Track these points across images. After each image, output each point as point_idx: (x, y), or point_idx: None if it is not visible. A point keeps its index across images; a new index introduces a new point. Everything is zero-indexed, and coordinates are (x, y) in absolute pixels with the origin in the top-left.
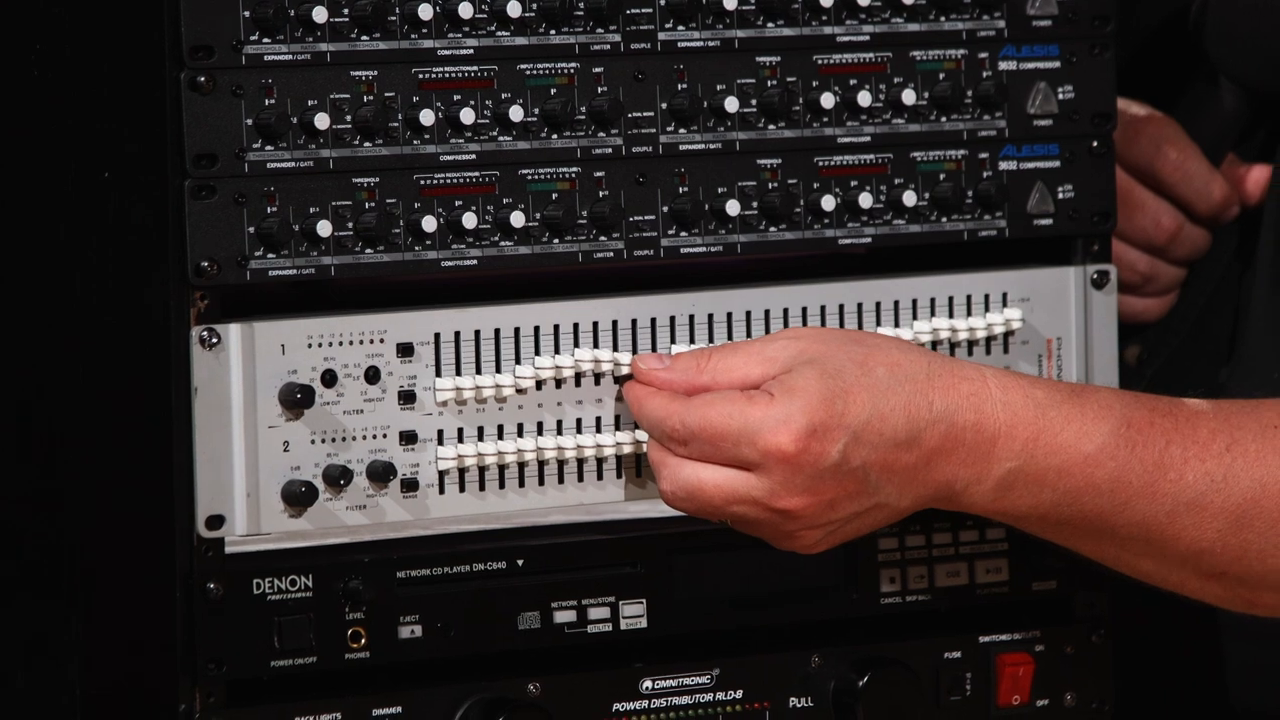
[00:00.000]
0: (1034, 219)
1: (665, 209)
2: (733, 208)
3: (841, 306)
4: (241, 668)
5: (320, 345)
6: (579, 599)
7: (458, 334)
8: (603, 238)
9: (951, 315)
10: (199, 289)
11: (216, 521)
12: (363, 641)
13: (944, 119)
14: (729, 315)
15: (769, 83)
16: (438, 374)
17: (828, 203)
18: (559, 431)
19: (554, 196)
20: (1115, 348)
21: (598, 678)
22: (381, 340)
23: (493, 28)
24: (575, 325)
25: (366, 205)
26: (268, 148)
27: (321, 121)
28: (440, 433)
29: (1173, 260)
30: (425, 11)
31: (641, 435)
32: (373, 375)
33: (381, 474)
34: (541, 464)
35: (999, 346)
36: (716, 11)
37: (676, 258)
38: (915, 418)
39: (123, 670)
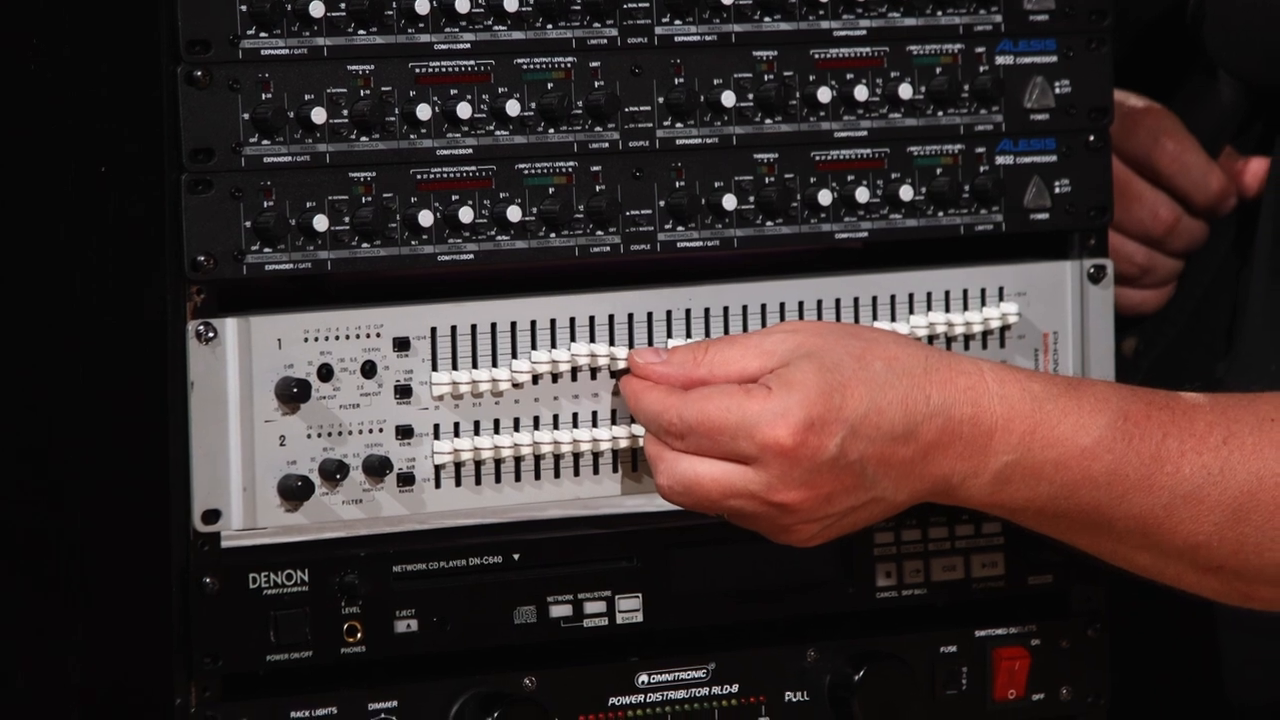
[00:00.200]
0: (1030, 213)
1: (662, 203)
2: (729, 202)
3: (838, 301)
4: (237, 662)
5: (316, 339)
6: (575, 593)
7: (454, 328)
8: (599, 232)
9: (948, 310)
10: (195, 283)
11: (212, 516)
12: (359, 636)
13: (940, 113)
14: (725, 310)
15: (765, 77)
16: (434, 368)
17: (824, 197)
18: (555, 426)
19: (550, 191)
20: (1112, 342)
21: (594, 672)
22: (378, 334)
23: (489, 22)
24: (572, 320)
25: (363, 200)
26: (264, 142)
27: (318, 116)
28: (436, 427)
29: (1170, 252)
30: (422, 6)
31: (638, 430)
32: (369, 369)
33: (378, 468)
34: (538, 458)
35: (995, 341)
36: (713, 6)
37: (673, 252)
38: (912, 412)
39: (119, 664)
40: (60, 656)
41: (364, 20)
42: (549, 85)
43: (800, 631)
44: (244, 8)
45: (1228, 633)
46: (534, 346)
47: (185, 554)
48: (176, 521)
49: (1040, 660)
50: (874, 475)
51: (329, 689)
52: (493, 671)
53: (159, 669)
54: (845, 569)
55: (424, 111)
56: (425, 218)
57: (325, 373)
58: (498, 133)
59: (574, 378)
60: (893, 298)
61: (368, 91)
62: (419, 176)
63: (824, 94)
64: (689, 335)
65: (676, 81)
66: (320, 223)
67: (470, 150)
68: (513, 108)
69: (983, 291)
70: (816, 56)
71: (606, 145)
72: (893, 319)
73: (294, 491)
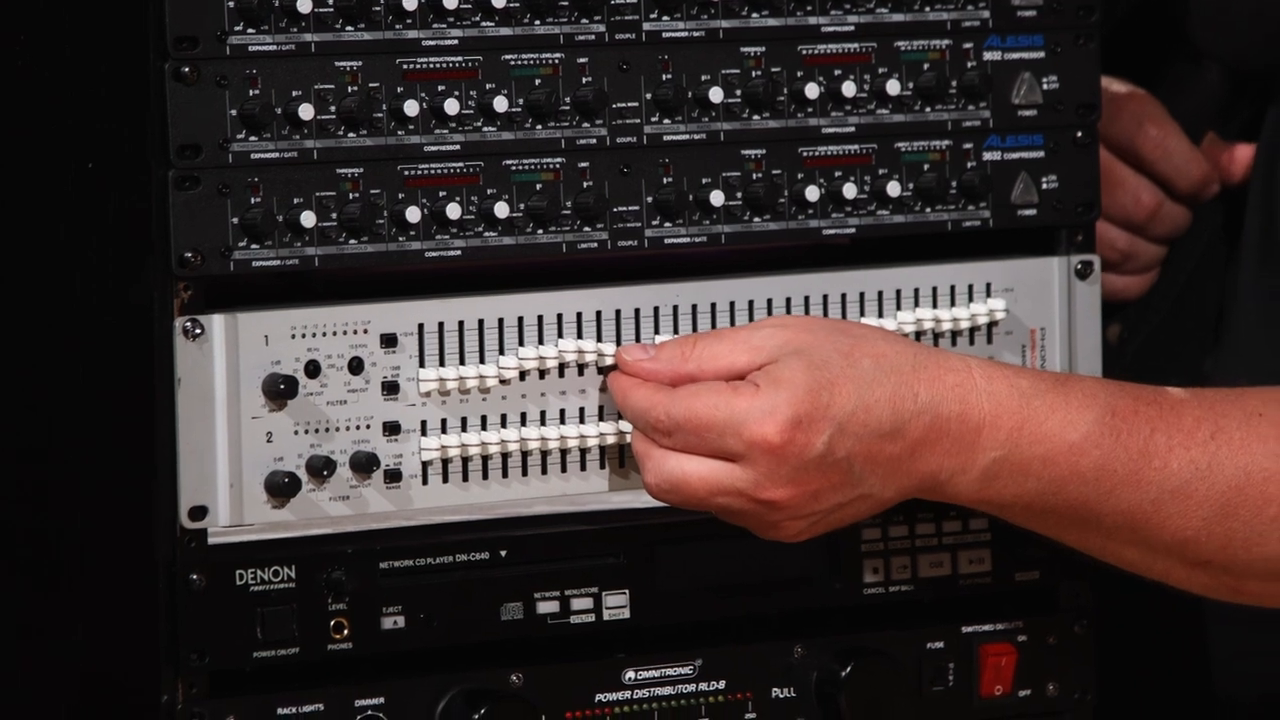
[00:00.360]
0: (1018, 209)
1: (649, 199)
2: (717, 198)
3: (825, 297)
4: (224, 658)
5: (304, 336)
6: (562, 589)
7: (441, 325)
8: (587, 228)
9: (935, 305)
10: (183, 280)
11: (199, 512)
12: (345, 632)
13: (928, 109)
14: (713, 306)
15: (753, 73)
16: (421, 365)
17: (812, 193)
18: (542, 422)
19: (538, 187)
20: (1099, 338)
21: (580, 668)
22: (365, 331)
23: (477, 18)
24: (559, 316)
25: (350, 196)
26: (252, 138)
27: (306, 112)
28: (424, 423)
29: (1153, 238)
30: (409, 2)
31: (625, 426)
32: (356, 366)
33: (365, 465)
34: (525, 455)
35: (982, 337)
36: (701, 2)
37: (660, 248)
38: (900, 409)
39: (105, 660)
40: (47, 653)
41: (352, 16)
42: (536, 81)
43: (787, 628)
44: (231, 4)
45: (1216, 627)
46: (521, 343)
47: (172, 550)
48: (163, 518)
49: (1027, 656)
50: (861, 472)
51: (316, 685)
52: (479, 668)
53: (146, 665)
54: (832, 565)
55: (411, 108)
56: (413, 214)
57: (312, 369)
58: (485, 129)
59: (561, 374)
60: (880, 294)
61: (355, 88)
62: (406, 173)
63: (812, 90)
64: (676, 331)
65: (664, 78)
66: (308, 219)
67: (458, 146)
68: (500, 104)
69: (970, 288)
70: (804, 52)
71: (594, 141)
72: (880, 315)
73: (281, 488)
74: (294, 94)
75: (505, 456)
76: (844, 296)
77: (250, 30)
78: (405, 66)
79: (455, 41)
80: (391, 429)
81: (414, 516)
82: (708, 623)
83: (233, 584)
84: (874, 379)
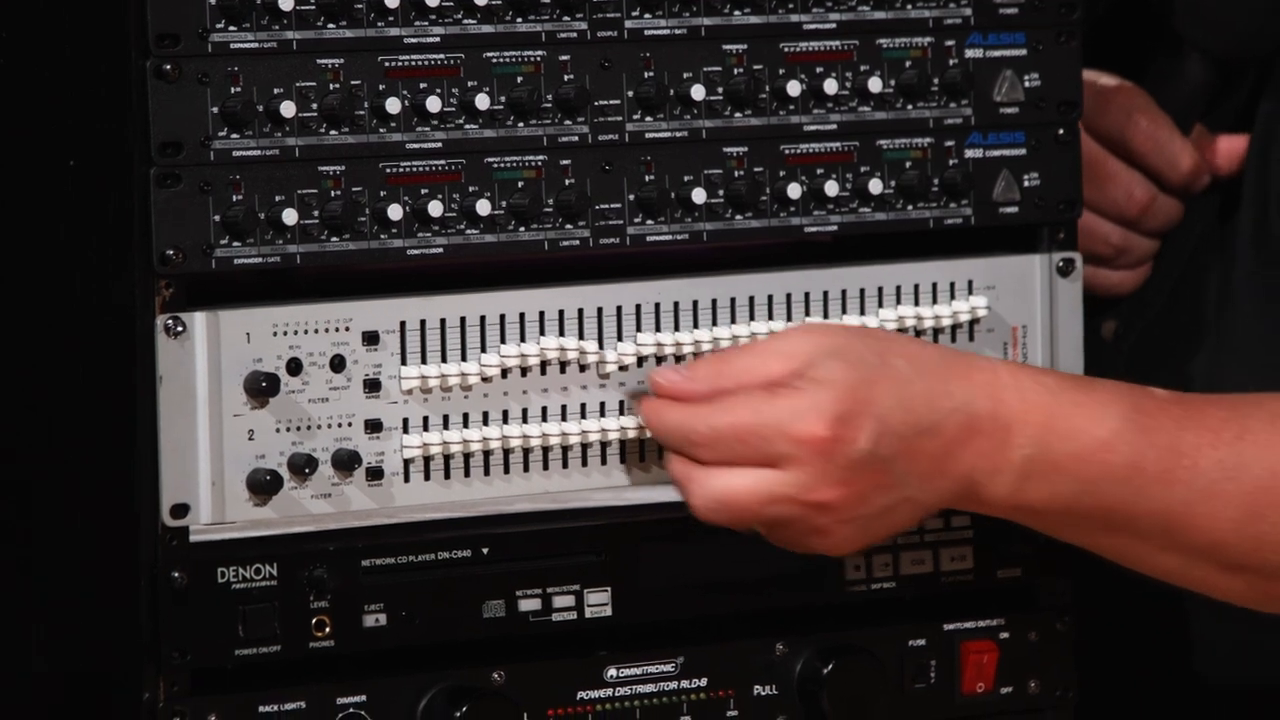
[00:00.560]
0: (999, 207)
1: (631, 197)
2: (699, 196)
3: (807, 295)
4: (206, 656)
5: (285, 333)
6: (544, 587)
7: (423, 322)
8: (569, 226)
9: (917, 303)
10: (164, 277)
11: (181, 510)
12: (327, 630)
13: (910, 107)
14: (695, 304)
15: (735, 70)
16: (403, 362)
17: (794, 191)
18: (524, 420)
19: (520, 184)
20: (1081, 336)
21: (562, 666)
22: (347, 328)
23: (459, 15)
24: (541, 313)
25: (332, 193)
26: (233, 135)
27: (287, 109)
28: (405, 421)
29: (1145, 232)
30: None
31: (608, 424)
32: (338, 363)
33: (346, 462)
34: (507, 452)
35: (964, 334)
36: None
37: (642, 246)
38: (936, 406)
39: (87, 658)
40: (28, 651)
41: (333, 14)
42: (518, 79)
43: (769, 625)
44: (213, 1)
45: (1207, 624)
46: (503, 340)
47: (154, 548)
48: (145, 516)
49: (1008, 653)
50: (903, 473)
51: (298, 683)
52: (461, 666)
53: (127, 663)
54: (814, 562)
55: (393, 105)
56: (394, 211)
57: (294, 367)
58: (467, 126)
59: (543, 372)
60: (862, 291)
61: (337, 85)
62: (388, 170)
63: (793, 87)
64: (659, 329)
65: (646, 75)
66: (289, 216)
67: (440, 144)
68: (482, 101)
69: (952, 285)
70: (786, 50)
71: (576, 139)
72: (862, 312)
73: (263, 486)
74: (276, 91)
75: (487, 454)
76: (826, 294)
77: (232, 28)
78: (387, 64)
79: (437, 39)
80: (373, 427)
81: (396, 514)
82: (689, 620)
83: (214, 582)
84: (909, 377)
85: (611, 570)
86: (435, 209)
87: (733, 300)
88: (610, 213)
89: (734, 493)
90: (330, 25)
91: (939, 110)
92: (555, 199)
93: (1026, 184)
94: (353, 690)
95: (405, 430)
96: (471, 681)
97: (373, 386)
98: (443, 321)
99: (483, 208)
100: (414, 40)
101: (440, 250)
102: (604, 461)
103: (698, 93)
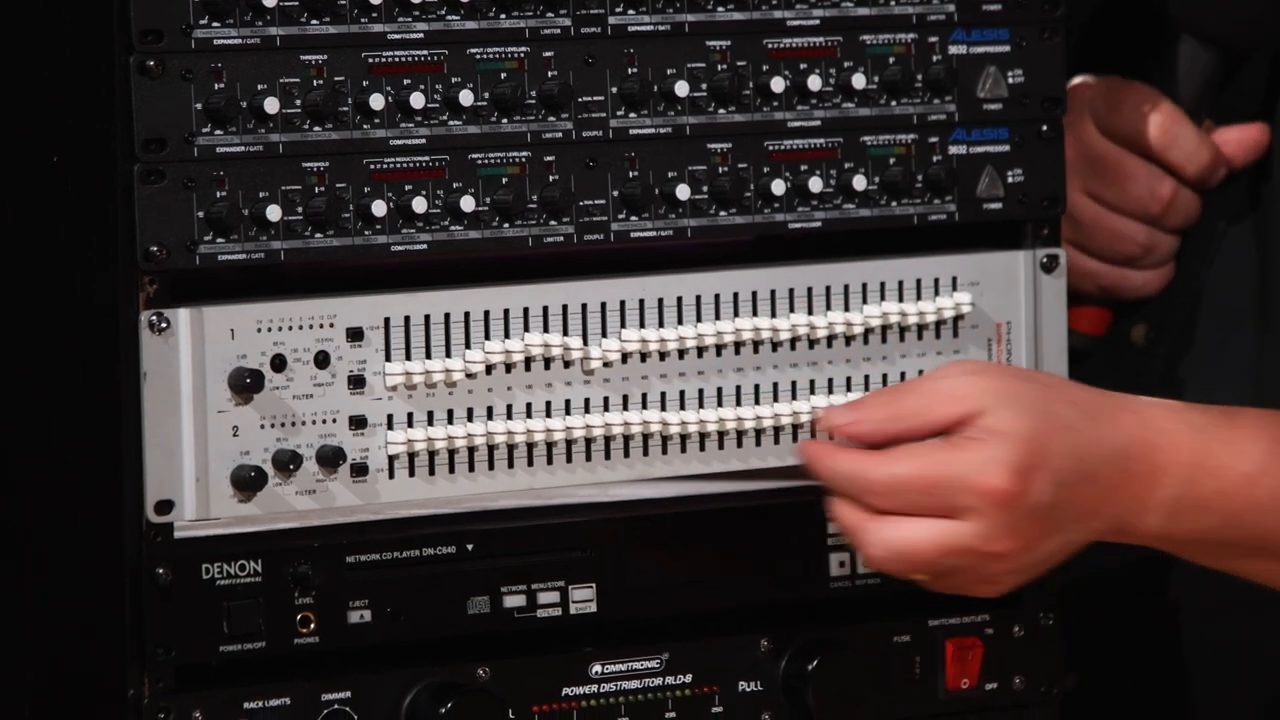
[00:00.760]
0: (983, 203)
1: (615, 193)
2: (683, 192)
3: (791, 291)
4: (190, 653)
5: (270, 330)
6: (528, 583)
7: (408, 318)
8: (553, 222)
9: (901, 299)
10: (148, 274)
11: (165, 506)
12: (312, 626)
13: (894, 103)
14: (679, 300)
15: (719, 67)
16: (387, 358)
17: (778, 187)
18: (509, 416)
19: (504, 181)
20: (1065, 332)
21: (547, 662)
22: (331, 325)
23: (443, 12)
24: (525, 310)
25: (316, 189)
26: (217, 132)
27: (271, 105)
28: (390, 417)
29: (1168, 228)
30: None
31: (592, 419)
32: (322, 360)
33: (331, 459)
34: (491, 448)
35: (949, 330)
36: None
37: (627, 242)
38: (1098, 453)
39: (71, 655)
40: (12, 648)
41: (317, 10)
42: (502, 75)
43: (754, 621)
44: None
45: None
46: (487, 336)
47: (138, 545)
48: (129, 512)
49: (993, 649)
50: (1064, 518)
51: (282, 680)
52: (446, 662)
53: (112, 660)
54: (799, 558)
55: (377, 101)
56: (379, 208)
57: (278, 363)
58: (451, 123)
59: (527, 368)
60: (846, 287)
61: (321, 81)
62: (372, 166)
63: (777, 84)
64: (643, 325)
65: (630, 71)
66: (273, 213)
67: (423, 140)
68: (466, 98)
69: (936, 281)
70: (770, 46)
71: (560, 135)
72: (846, 309)
73: (247, 482)
74: (259, 87)
75: (472, 450)
76: (810, 290)
77: (215, 24)
78: (370, 60)
79: (420, 35)
80: (358, 423)
81: (380, 510)
82: (674, 616)
83: (199, 578)
84: (1074, 425)
85: (596, 566)
86: (419, 205)
87: (717, 297)
88: (594, 209)
89: (914, 543)
90: (314, 21)
91: (923, 106)
92: (539, 195)
93: (1010, 180)
94: (338, 686)
95: (390, 426)
96: (456, 678)
97: (357, 383)
98: (427, 318)
99: (467, 204)
100: (397, 36)
101: (424, 246)
102: (589, 458)
103: (681, 89)
